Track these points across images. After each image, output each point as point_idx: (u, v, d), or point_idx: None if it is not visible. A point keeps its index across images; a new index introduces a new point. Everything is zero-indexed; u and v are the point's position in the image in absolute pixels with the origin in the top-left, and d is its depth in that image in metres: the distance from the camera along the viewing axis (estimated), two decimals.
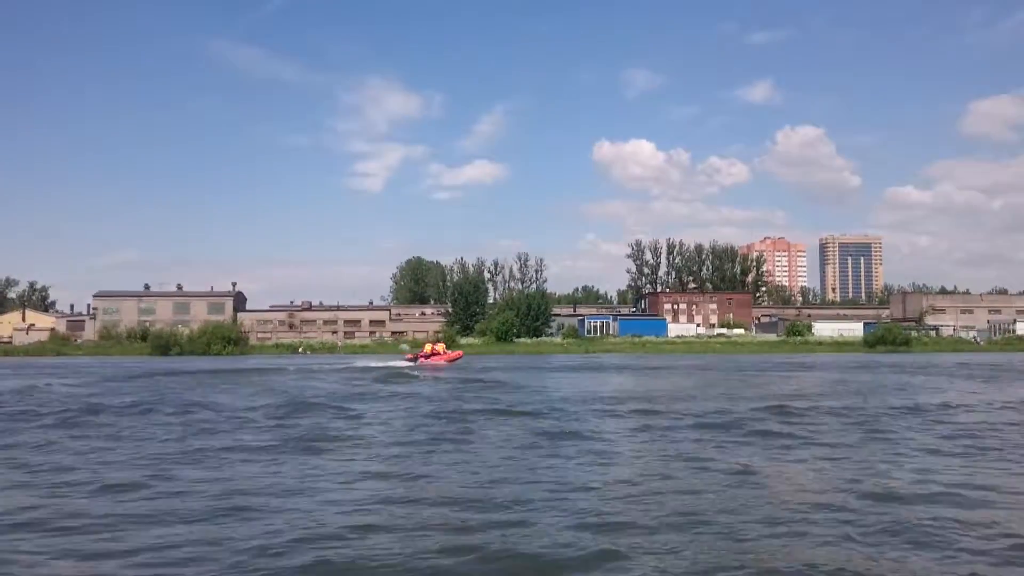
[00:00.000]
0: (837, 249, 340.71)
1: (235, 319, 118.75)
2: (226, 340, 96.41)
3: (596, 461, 11.38)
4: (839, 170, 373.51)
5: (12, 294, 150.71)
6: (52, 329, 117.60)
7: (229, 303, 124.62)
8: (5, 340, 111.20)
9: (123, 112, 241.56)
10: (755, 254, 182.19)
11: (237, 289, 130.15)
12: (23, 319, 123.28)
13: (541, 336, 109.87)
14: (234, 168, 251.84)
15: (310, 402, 21.63)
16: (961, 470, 10.54)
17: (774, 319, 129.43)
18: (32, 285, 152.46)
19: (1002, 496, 8.69)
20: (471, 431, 14.84)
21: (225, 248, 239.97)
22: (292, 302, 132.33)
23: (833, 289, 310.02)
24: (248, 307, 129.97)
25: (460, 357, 56.60)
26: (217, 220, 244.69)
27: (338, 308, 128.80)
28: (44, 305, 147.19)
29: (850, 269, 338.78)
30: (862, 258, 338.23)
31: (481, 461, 11.38)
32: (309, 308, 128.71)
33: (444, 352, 55.76)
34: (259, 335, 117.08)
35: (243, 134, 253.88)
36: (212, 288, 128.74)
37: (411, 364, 50.96)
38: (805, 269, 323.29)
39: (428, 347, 56.48)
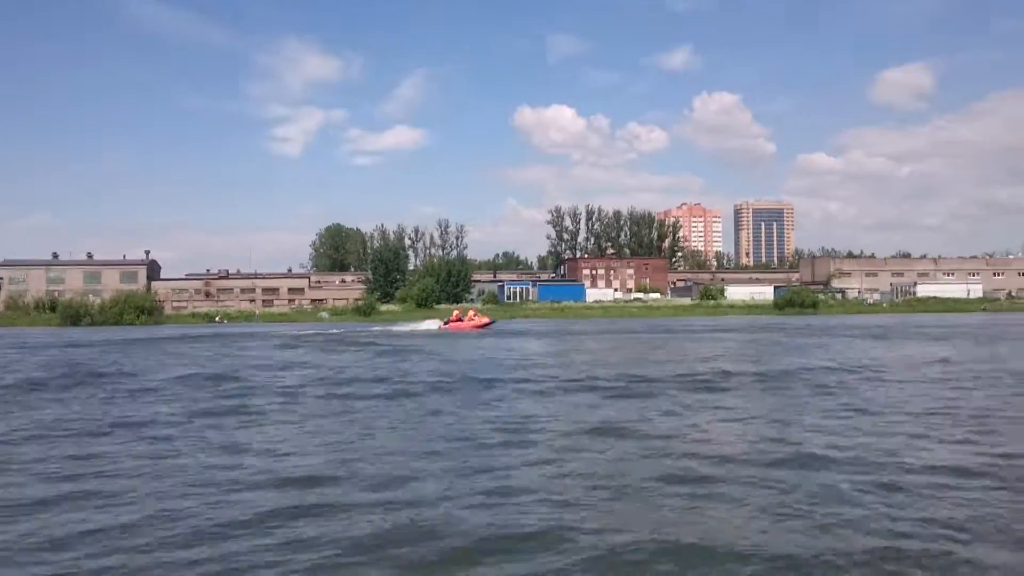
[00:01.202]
0: (751, 215, 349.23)
1: (149, 288, 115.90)
2: (139, 310, 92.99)
3: (507, 430, 11.44)
4: (754, 137, 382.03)
5: None
6: None
7: (142, 272, 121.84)
8: None
9: (32, 71, 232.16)
10: (672, 220, 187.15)
11: (151, 257, 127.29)
12: None
13: (461, 302, 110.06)
14: (148, 132, 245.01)
15: (213, 373, 21.84)
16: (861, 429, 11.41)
17: (689, 283, 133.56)
18: None
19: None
20: (364, 406, 14.65)
21: (139, 215, 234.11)
22: (208, 270, 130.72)
23: (747, 253, 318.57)
24: (163, 276, 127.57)
25: (490, 324, 54.28)
26: (130, 186, 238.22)
27: (256, 276, 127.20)
28: None
29: (763, 234, 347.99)
30: (775, 223, 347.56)
31: (387, 437, 11.26)
32: (226, 276, 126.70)
33: (475, 318, 53.50)
34: (174, 304, 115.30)
35: (157, 97, 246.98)
36: (125, 257, 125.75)
37: (436, 330, 49.41)
38: (720, 234, 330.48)
39: (454, 312, 54.50)
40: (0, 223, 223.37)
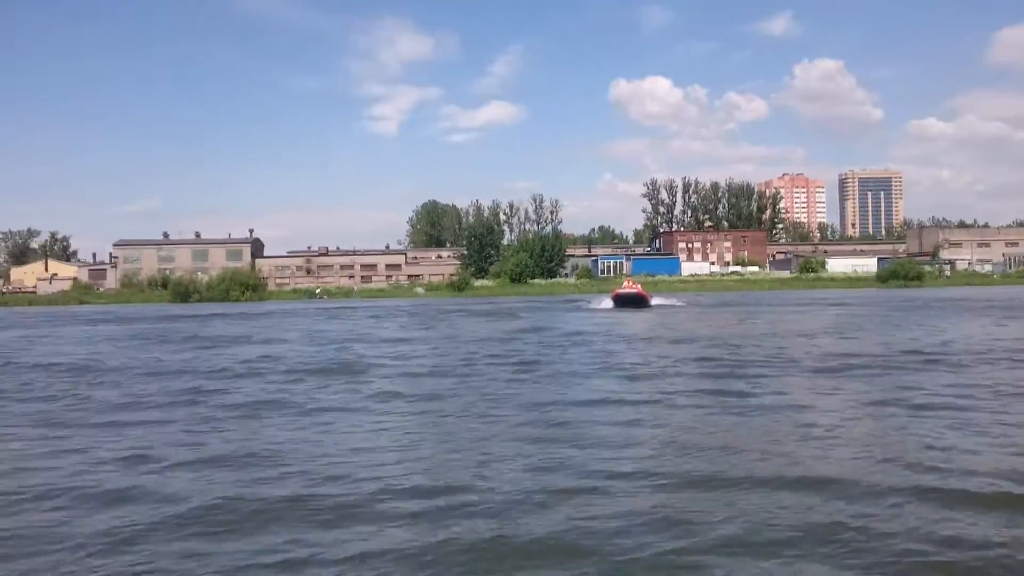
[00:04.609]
0: (857, 184, 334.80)
1: (253, 265, 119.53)
2: (244, 286, 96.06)
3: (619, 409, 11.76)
4: (860, 103, 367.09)
5: (35, 244, 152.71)
6: (75, 278, 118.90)
7: (247, 250, 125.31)
8: (29, 290, 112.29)
9: (140, 60, 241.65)
10: (772, 191, 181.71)
11: (255, 236, 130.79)
12: (46, 269, 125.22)
13: (555, 277, 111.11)
14: (250, 114, 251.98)
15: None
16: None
17: (788, 256, 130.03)
18: (54, 235, 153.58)
19: None
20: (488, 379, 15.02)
21: (242, 195, 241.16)
22: (309, 247, 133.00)
23: (852, 225, 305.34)
24: (266, 253, 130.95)
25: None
26: (234, 167, 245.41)
27: (354, 253, 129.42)
28: (66, 255, 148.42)
29: (870, 204, 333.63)
30: (882, 193, 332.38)
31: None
32: (326, 253, 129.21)
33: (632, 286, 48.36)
34: (277, 280, 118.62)
35: (258, 78, 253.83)
36: (230, 235, 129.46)
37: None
38: (824, 206, 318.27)
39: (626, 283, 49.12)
40: (115, 207, 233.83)
